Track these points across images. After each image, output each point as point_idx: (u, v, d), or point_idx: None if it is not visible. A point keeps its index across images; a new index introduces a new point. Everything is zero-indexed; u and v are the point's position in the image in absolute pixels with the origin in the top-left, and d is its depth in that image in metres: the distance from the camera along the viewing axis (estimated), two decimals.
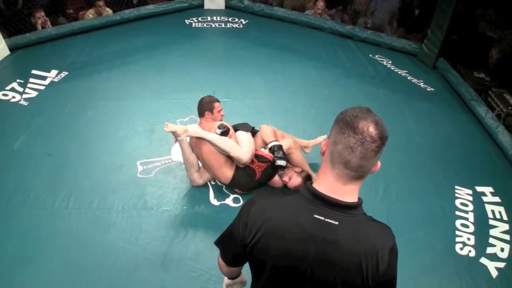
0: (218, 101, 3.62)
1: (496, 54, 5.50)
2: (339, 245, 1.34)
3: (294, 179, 3.54)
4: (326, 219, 1.34)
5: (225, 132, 3.43)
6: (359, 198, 1.40)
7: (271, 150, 3.57)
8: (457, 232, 3.48)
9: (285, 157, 3.56)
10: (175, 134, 3.35)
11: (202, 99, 3.62)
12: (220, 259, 1.65)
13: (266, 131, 3.71)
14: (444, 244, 3.38)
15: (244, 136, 3.55)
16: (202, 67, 5.39)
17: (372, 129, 1.28)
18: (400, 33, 6.55)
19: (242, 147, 3.45)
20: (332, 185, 1.36)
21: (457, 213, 3.66)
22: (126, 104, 4.64)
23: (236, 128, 3.65)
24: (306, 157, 3.82)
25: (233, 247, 1.52)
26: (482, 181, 4.00)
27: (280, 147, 3.56)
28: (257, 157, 3.53)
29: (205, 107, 3.58)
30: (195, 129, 3.40)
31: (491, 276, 3.16)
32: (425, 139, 4.50)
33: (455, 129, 4.73)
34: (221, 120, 3.61)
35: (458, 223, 3.57)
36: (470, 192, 3.88)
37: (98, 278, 2.94)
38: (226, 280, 1.89)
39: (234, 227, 1.49)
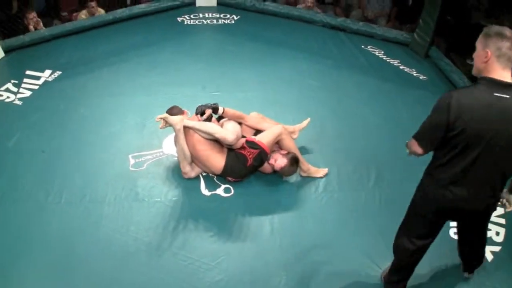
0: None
1: None
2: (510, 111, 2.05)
3: (279, 161, 3.55)
4: (502, 95, 2.04)
5: (212, 109, 3.61)
6: None
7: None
8: None
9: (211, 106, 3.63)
10: (173, 125, 3.46)
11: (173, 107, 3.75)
12: (416, 149, 2.34)
13: (254, 118, 3.82)
14: None
15: (227, 121, 3.68)
16: (193, 62, 5.40)
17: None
18: (394, 25, 6.55)
19: (227, 129, 3.53)
20: (501, 75, 2.06)
21: None
22: (118, 101, 4.67)
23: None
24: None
25: (436, 132, 2.18)
26: None
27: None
28: (249, 143, 3.55)
29: (176, 111, 3.69)
30: (181, 119, 3.49)
31: (486, 259, 3.14)
32: (417, 126, 4.44)
33: None
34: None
35: None
36: None
37: (89, 268, 2.98)
38: None
39: (437, 117, 2.16)
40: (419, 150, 2.30)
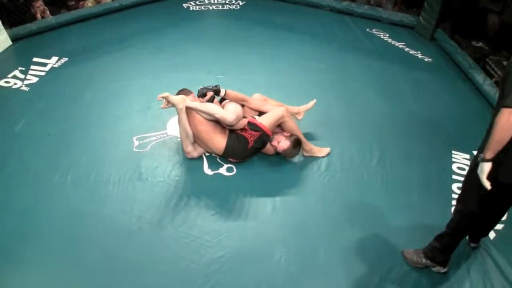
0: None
1: (493, 18, 5.44)
2: None
3: (282, 143, 3.57)
4: None
5: (214, 91, 3.64)
6: None
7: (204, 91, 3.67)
8: (453, 195, 3.47)
9: (213, 88, 3.66)
10: (175, 104, 3.50)
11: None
12: None
13: (256, 100, 3.83)
14: (440, 206, 3.38)
15: (228, 103, 3.71)
16: (198, 47, 5.45)
17: None
18: (400, 9, 6.51)
19: (227, 109, 3.54)
20: None
21: (454, 177, 3.66)
22: (123, 85, 4.72)
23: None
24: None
25: None
26: None
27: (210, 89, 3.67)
28: (250, 124, 3.57)
29: (187, 92, 3.78)
30: (183, 99, 3.54)
31: (488, 237, 3.14)
32: (421, 107, 4.49)
33: (452, 97, 4.71)
34: None
35: (454, 186, 3.56)
36: (467, 156, 3.86)
37: (93, 245, 3.04)
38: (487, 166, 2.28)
39: None
40: None
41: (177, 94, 3.74)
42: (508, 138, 2.17)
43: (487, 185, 2.30)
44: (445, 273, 2.89)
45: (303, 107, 4.00)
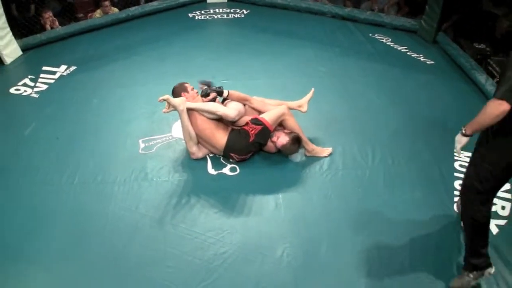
0: (187, 83, 3.88)
1: (506, 22, 5.48)
2: None
3: (282, 138, 3.64)
4: None
5: (217, 92, 3.72)
6: None
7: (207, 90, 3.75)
8: (455, 192, 3.49)
9: (216, 90, 3.74)
10: (176, 106, 3.56)
11: (174, 87, 3.86)
12: (505, 107, 2.26)
13: (258, 100, 3.90)
14: (442, 203, 3.41)
15: (230, 101, 3.80)
16: (203, 54, 5.57)
17: None
18: (404, 14, 6.58)
19: (229, 107, 3.63)
20: None
21: (456, 174, 3.67)
22: (130, 91, 4.84)
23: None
24: None
25: None
26: None
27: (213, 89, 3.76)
28: (252, 119, 3.65)
29: (179, 90, 3.81)
30: (183, 100, 3.62)
31: (491, 233, 3.14)
32: (423, 108, 4.53)
33: (454, 98, 4.74)
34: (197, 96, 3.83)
35: (456, 183, 3.57)
36: (469, 154, 3.82)
37: (99, 241, 3.10)
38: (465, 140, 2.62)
39: None
40: (507, 107, 2.28)
41: (173, 90, 3.84)
42: (487, 125, 2.44)
43: (460, 154, 2.73)
44: (495, 273, 2.76)
45: (304, 99, 4.04)
